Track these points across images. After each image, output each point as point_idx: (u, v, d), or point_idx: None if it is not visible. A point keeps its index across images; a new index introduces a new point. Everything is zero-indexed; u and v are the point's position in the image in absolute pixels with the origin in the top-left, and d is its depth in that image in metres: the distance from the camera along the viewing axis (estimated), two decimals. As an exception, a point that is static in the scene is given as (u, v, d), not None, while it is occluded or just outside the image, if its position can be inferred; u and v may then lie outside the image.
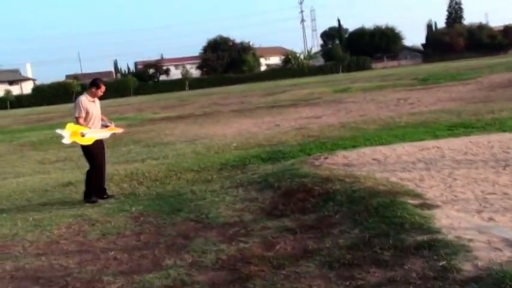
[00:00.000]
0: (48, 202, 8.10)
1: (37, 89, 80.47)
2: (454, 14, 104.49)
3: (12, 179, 10.95)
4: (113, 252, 5.32)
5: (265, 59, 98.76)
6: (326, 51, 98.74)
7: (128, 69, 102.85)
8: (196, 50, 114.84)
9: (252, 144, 12.13)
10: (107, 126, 8.23)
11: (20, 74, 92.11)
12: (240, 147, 11.99)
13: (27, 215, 7.26)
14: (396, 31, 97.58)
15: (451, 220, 4.79)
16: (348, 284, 3.90)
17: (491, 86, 22.61)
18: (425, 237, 4.38)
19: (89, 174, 7.95)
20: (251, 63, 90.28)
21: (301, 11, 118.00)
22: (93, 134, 7.81)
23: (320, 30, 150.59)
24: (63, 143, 8.08)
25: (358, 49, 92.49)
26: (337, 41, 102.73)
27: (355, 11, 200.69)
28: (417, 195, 5.72)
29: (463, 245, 4.13)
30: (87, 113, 7.82)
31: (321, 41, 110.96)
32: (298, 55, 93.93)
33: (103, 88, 8.08)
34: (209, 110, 27.42)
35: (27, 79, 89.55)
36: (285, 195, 6.66)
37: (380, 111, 16.92)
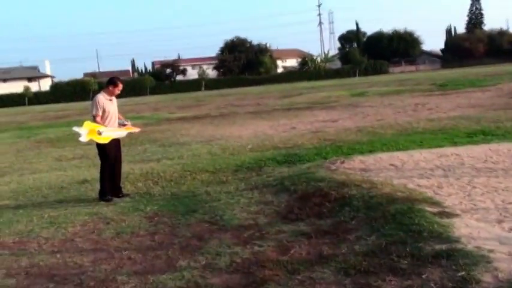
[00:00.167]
0: (64, 199, 8.14)
1: (55, 86, 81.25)
2: (475, 19, 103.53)
3: (29, 175, 11.04)
4: (127, 252, 5.31)
5: (282, 61, 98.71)
6: (343, 55, 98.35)
7: (145, 68, 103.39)
8: (213, 50, 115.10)
9: (268, 147, 12.09)
10: (123, 125, 8.24)
11: (39, 71, 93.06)
12: (255, 149, 11.96)
13: (43, 212, 7.30)
14: (415, 35, 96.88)
15: (470, 229, 4.70)
16: (364, 291, 3.84)
17: (511, 93, 22.31)
18: (444, 246, 4.30)
19: (101, 171, 7.97)
20: (268, 65, 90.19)
21: (319, 14, 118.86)
22: (110, 132, 7.83)
23: (338, 33, 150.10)
24: (80, 141, 8.11)
25: (375, 53, 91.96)
26: (355, 45, 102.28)
27: (373, 14, 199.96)
28: (435, 203, 5.63)
29: (483, 256, 4.04)
30: (104, 111, 7.84)
31: (338, 44, 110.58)
32: (315, 58, 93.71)
33: (120, 86, 8.06)
34: (225, 111, 27.43)
35: (45, 76, 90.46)
36: (301, 199, 6.61)
37: (397, 116, 16.77)
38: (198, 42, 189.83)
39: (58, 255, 5.38)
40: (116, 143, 8.02)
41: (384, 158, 8.55)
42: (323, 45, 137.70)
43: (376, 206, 5.67)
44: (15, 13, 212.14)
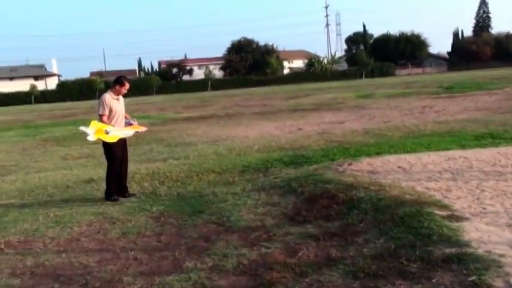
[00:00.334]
0: (70, 198, 8.12)
1: (61, 85, 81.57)
2: (482, 22, 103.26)
3: (35, 173, 11.03)
4: (133, 252, 5.27)
5: (289, 62, 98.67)
6: (350, 56, 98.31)
7: (152, 68, 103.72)
8: (220, 51, 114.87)
9: (274, 148, 12.04)
10: (130, 124, 8.21)
11: (46, 69, 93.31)
12: (262, 150, 11.91)
13: (49, 211, 7.28)
14: (422, 38, 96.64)
15: (480, 233, 4.64)
16: (373, 295, 3.79)
17: (519, 97, 22.18)
18: (453, 250, 4.24)
19: (108, 171, 7.95)
20: (274, 66, 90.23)
21: (327, 15, 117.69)
22: (117, 132, 7.80)
23: (345, 35, 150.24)
24: (86, 140, 8.09)
25: (382, 55, 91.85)
26: (362, 46, 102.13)
27: (380, 16, 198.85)
28: (444, 206, 5.57)
29: (493, 260, 3.98)
30: (110, 110, 7.81)
31: (345, 46, 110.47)
32: (321, 59, 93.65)
33: (127, 86, 8.03)
34: (231, 111, 27.40)
35: (52, 75, 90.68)
36: (308, 200, 6.56)
37: (404, 119, 16.69)
38: (204, 42, 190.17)
39: (63, 255, 5.35)
40: (122, 142, 7.99)
41: (392, 160, 8.49)
42: (330, 47, 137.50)
43: (385, 208, 5.61)
44: (22, 12, 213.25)
